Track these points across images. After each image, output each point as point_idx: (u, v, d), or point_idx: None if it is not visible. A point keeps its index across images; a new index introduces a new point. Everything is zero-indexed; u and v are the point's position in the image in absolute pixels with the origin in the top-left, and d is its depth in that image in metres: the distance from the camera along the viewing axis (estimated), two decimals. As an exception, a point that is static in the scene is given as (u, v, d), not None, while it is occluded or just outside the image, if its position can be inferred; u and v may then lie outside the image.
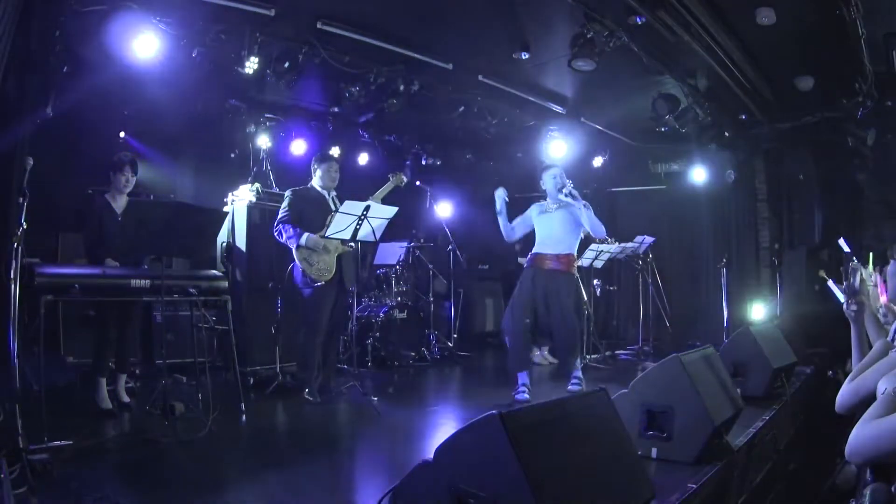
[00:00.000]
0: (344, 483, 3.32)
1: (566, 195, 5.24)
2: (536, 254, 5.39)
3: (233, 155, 7.22)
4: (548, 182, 5.44)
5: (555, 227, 5.37)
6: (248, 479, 3.23)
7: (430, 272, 7.97)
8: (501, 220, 5.43)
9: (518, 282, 5.41)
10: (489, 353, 8.43)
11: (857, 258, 3.37)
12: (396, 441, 4.03)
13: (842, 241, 3.80)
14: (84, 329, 5.30)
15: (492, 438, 1.84)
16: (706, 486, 2.78)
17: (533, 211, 5.54)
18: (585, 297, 7.22)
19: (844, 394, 2.29)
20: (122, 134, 6.51)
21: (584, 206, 5.26)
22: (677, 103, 7.15)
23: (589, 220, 5.29)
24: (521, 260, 7.31)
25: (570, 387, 5.23)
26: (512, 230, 5.52)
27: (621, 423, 2.40)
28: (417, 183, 5.73)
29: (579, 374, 5.36)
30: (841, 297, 2.76)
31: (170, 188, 7.20)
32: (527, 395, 5.03)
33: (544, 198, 5.54)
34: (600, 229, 5.43)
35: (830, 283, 3.35)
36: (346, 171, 5.74)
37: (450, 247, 8.13)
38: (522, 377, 5.17)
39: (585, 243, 7.56)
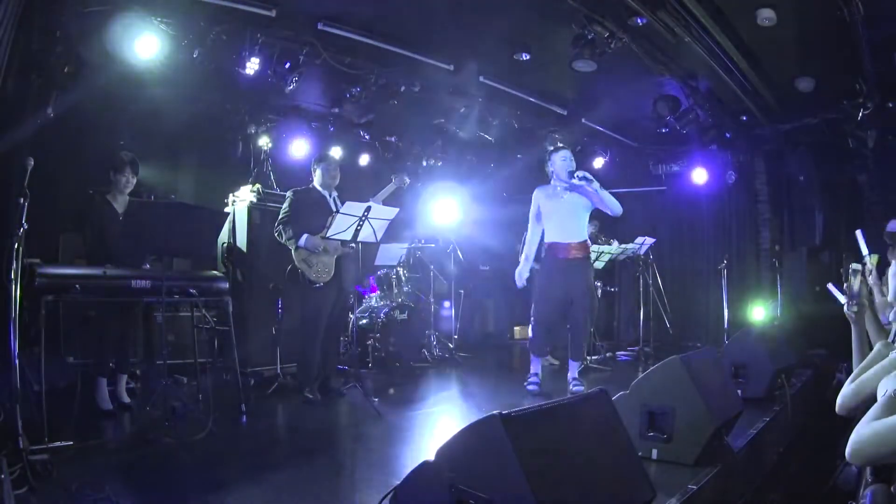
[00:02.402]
0: (345, 484, 3.31)
1: (580, 179, 5.16)
2: (555, 243, 5.36)
3: (231, 156, 7.22)
4: (557, 163, 5.36)
5: (569, 214, 5.35)
6: (248, 479, 3.23)
7: (431, 273, 7.97)
8: (532, 251, 5.49)
9: (539, 274, 5.50)
10: (490, 354, 8.42)
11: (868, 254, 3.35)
12: (397, 442, 4.02)
13: (859, 234, 3.68)
14: (84, 329, 5.30)
15: (492, 439, 1.84)
16: (706, 487, 2.79)
17: (539, 197, 5.47)
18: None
19: (845, 395, 2.29)
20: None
21: (600, 186, 5.24)
22: (678, 104, 7.15)
23: (607, 200, 5.27)
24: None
25: (572, 387, 5.25)
26: (536, 234, 5.49)
27: (622, 424, 2.40)
28: (407, 179, 5.74)
29: (577, 373, 5.40)
30: (842, 299, 2.75)
31: (171, 189, 7.19)
32: (536, 388, 5.28)
33: (546, 181, 5.49)
34: (618, 207, 5.35)
35: (830, 285, 3.34)
36: (346, 173, 5.74)
37: (451, 247, 8.12)
38: (535, 364, 5.40)
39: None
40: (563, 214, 5.36)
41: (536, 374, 5.37)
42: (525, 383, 5.39)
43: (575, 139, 8.34)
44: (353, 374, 5.15)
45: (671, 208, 8.97)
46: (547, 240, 5.44)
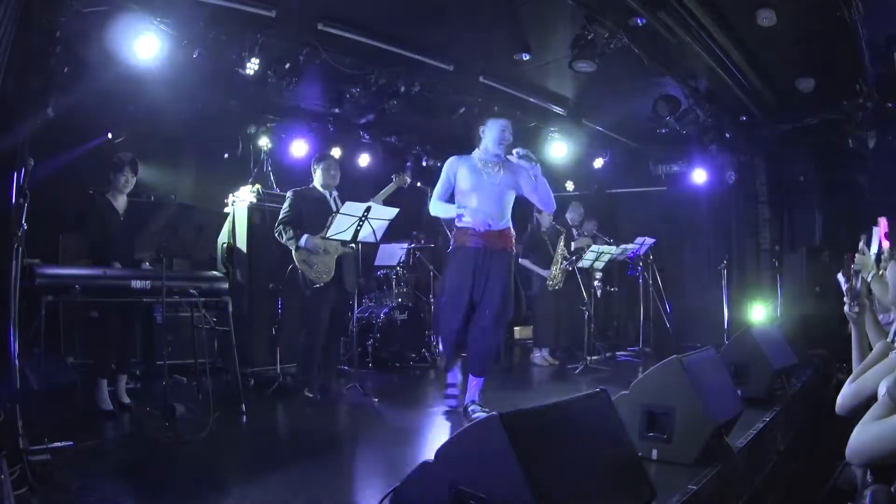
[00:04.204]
0: (345, 484, 3.31)
1: (520, 156, 4.23)
2: (470, 229, 4.33)
3: (231, 156, 7.22)
4: (492, 134, 4.41)
5: (492, 195, 4.35)
6: (248, 479, 3.23)
7: (431, 273, 7.97)
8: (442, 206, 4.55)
9: (449, 269, 4.59)
10: (489, 354, 8.40)
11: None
12: (397, 442, 4.02)
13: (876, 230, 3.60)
14: (84, 330, 5.31)
15: (492, 439, 1.84)
16: (706, 487, 2.78)
17: (458, 168, 4.44)
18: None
19: (845, 395, 2.29)
20: (108, 135, 6.28)
21: (540, 171, 4.34)
22: (678, 104, 7.16)
23: (544, 190, 4.37)
24: (522, 262, 7.28)
25: (470, 413, 4.22)
26: (439, 203, 4.55)
27: (622, 425, 2.40)
28: (419, 184, 5.69)
29: (479, 399, 4.31)
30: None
31: (170, 189, 7.19)
32: (454, 403, 4.55)
33: (468, 152, 4.54)
34: (552, 202, 4.53)
35: (840, 275, 3.33)
36: (346, 173, 5.74)
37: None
38: (451, 376, 4.60)
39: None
40: (484, 195, 4.33)
41: (454, 385, 4.54)
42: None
43: (575, 139, 8.34)
44: (353, 375, 5.14)
45: (671, 208, 8.96)
46: (459, 224, 4.42)
